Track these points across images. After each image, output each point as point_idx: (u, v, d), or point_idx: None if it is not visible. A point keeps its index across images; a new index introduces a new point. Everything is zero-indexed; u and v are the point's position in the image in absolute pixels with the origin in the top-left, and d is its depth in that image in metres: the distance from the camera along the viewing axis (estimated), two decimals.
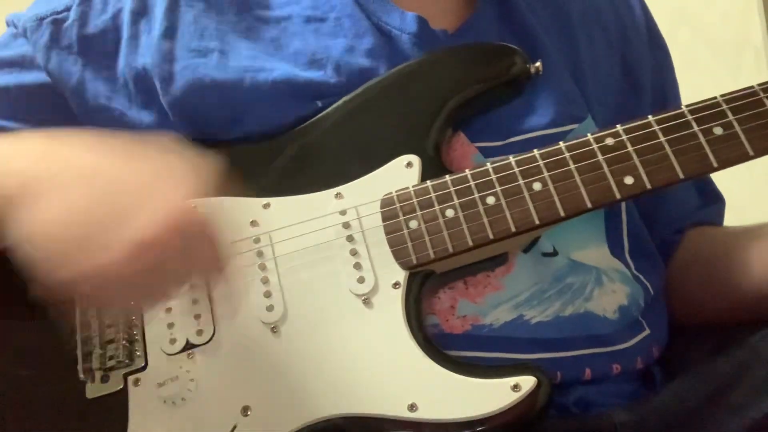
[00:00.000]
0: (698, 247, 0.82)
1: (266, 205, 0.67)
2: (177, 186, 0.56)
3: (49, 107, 0.73)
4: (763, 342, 0.67)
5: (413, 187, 0.65)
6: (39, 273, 0.55)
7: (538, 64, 0.69)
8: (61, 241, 0.55)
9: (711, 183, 0.87)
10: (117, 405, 0.62)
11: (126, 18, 0.73)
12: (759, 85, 0.63)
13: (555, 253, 0.70)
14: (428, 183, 0.65)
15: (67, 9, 0.73)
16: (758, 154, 0.61)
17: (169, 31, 0.72)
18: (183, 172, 0.57)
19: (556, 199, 0.62)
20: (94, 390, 0.63)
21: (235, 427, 0.61)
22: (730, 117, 0.61)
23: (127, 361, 0.63)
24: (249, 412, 0.61)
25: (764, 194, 1.65)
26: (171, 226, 0.55)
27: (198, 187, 0.57)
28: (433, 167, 0.67)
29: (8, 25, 0.76)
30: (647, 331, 0.73)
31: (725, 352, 0.69)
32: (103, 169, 0.57)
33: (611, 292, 0.71)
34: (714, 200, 0.87)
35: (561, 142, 0.65)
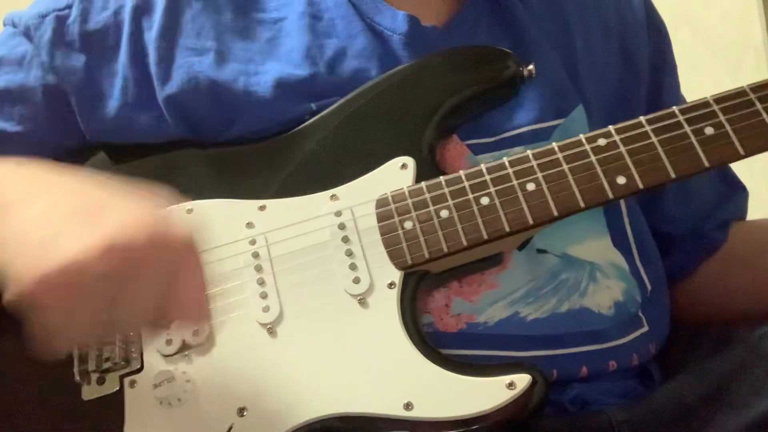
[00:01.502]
0: (738, 243, 0.84)
1: (262, 207, 0.69)
2: (145, 200, 0.56)
3: (51, 108, 0.74)
4: (762, 341, 0.68)
5: (408, 187, 0.67)
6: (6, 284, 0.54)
7: (531, 67, 0.71)
8: (26, 245, 0.53)
9: (731, 171, 0.88)
10: (113, 407, 0.63)
11: (127, 15, 0.75)
12: (749, 85, 0.65)
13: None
14: (423, 184, 0.67)
15: (69, 6, 0.75)
16: (749, 153, 0.63)
17: (168, 30, 0.74)
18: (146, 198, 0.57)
19: (549, 199, 0.64)
20: (90, 392, 0.64)
21: (231, 428, 0.62)
22: (721, 117, 0.63)
23: (123, 362, 0.64)
24: (245, 413, 0.62)
25: (763, 194, 1.67)
26: (149, 233, 0.53)
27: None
28: (427, 169, 0.68)
29: (6, 24, 0.78)
30: (646, 328, 0.74)
31: (724, 350, 0.70)
32: (67, 182, 0.58)
33: (606, 287, 0.73)
34: (738, 188, 0.88)
35: (554, 143, 0.66)
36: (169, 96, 0.72)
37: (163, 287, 0.55)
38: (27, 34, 0.75)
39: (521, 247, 0.70)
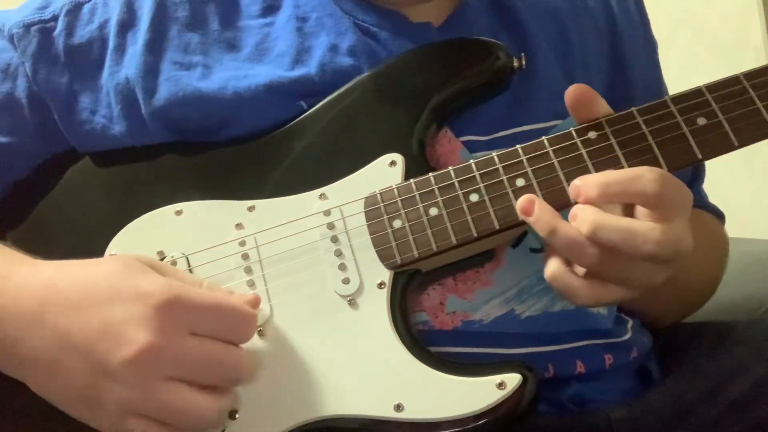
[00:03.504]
0: None
1: (251, 208, 0.65)
2: (134, 269, 0.56)
3: (38, 119, 0.70)
4: (761, 340, 0.66)
5: (397, 185, 0.63)
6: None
7: (521, 58, 0.67)
8: (83, 388, 0.54)
9: None
10: None
11: (112, 29, 0.70)
12: (743, 73, 0.60)
13: (542, 249, 0.68)
14: (411, 181, 0.63)
15: (54, 18, 0.71)
16: (743, 144, 0.58)
17: (153, 44, 0.70)
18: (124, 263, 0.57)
19: (539, 194, 0.60)
20: None
21: (223, 431, 0.59)
22: (714, 106, 0.59)
23: None
24: (237, 416, 0.59)
25: (763, 193, 1.62)
26: (169, 286, 0.54)
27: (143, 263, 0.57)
28: (417, 165, 0.65)
29: None
30: (630, 321, 0.72)
31: (724, 349, 0.67)
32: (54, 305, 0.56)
33: None
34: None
35: (544, 137, 0.62)
36: (156, 110, 0.67)
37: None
38: (12, 41, 0.71)
39: (515, 245, 0.67)
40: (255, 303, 0.58)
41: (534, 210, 0.57)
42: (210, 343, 0.55)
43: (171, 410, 0.54)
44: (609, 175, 0.56)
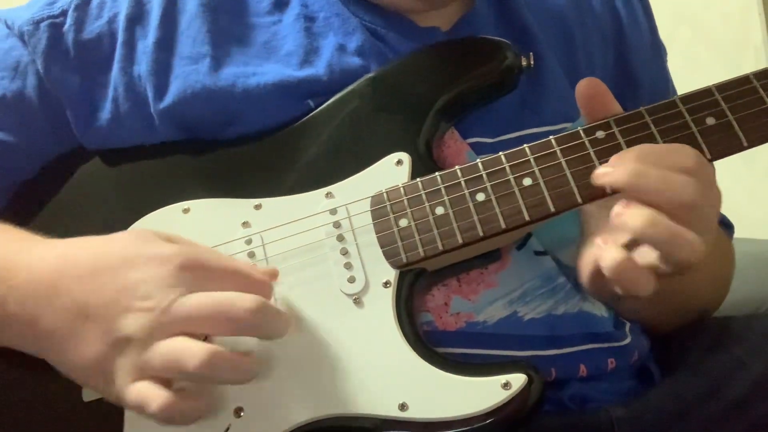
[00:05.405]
0: None
1: (258, 206, 0.63)
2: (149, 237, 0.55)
3: (47, 116, 0.68)
4: (760, 338, 0.64)
5: (403, 184, 0.61)
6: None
7: (530, 57, 0.64)
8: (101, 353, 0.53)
9: None
10: (113, 408, 0.58)
11: (121, 23, 0.68)
12: (753, 73, 0.58)
13: (546, 252, 0.66)
14: (418, 180, 0.61)
15: (63, 13, 0.69)
16: (752, 144, 0.56)
17: (164, 40, 0.67)
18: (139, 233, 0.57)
19: (546, 194, 0.58)
20: (90, 393, 0.60)
21: (228, 428, 0.57)
22: (723, 106, 0.57)
23: None
24: (242, 414, 0.57)
25: (764, 195, 1.60)
26: (187, 250, 0.54)
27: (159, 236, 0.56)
28: (424, 165, 0.63)
29: None
30: (627, 324, 0.70)
31: (723, 347, 0.66)
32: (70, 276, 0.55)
33: None
34: None
35: (551, 137, 0.60)
36: (166, 108, 0.65)
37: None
38: (22, 39, 0.69)
39: (520, 247, 0.65)
40: (272, 275, 0.57)
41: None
42: (221, 292, 0.53)
43: (170, 358, 0.51)
44: (643, 147, 0.54)
